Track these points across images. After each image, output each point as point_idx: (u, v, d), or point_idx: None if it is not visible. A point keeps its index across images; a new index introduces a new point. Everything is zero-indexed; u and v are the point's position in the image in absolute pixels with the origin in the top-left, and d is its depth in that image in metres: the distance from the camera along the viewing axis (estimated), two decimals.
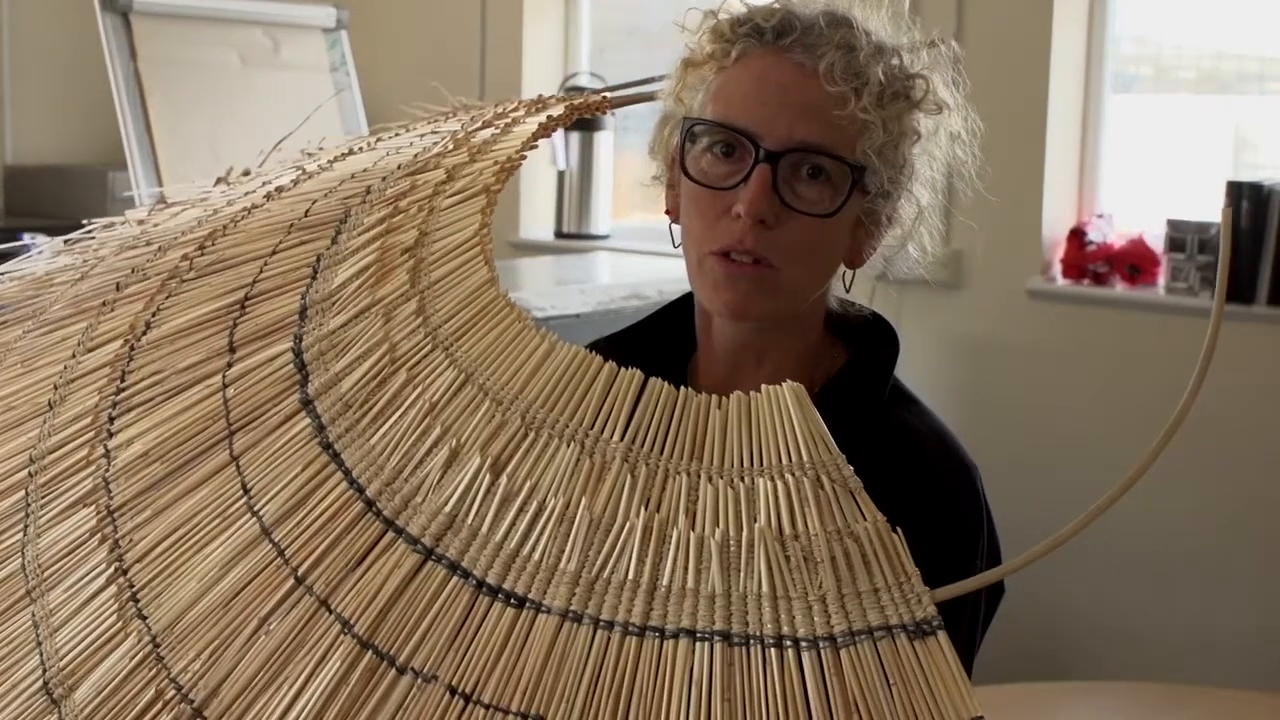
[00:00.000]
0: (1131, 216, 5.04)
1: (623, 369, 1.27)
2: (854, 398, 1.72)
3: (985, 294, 5.03)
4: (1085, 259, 4.88)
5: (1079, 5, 4.95)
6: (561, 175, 6.17)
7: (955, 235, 5.02)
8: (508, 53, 6.30)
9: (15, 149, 6.59)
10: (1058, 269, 4.97)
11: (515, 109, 1.85)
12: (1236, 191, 4.59)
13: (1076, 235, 4.92)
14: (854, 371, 1.76)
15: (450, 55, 6.47)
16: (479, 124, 1.82)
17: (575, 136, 6.03)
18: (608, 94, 1.89)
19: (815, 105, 1.60)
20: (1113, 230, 4.99)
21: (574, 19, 6.40)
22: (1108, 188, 5.11)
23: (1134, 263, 4.83)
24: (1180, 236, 4.73)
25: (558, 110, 1.78)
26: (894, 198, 1.69)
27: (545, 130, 1.74)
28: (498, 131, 1.76)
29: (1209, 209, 4.71)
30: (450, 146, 1.73)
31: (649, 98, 1.82)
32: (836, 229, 1.65)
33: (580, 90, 5.69)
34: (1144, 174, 5.15)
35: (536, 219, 6.35)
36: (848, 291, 1.78)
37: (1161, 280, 4.80)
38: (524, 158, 1.65)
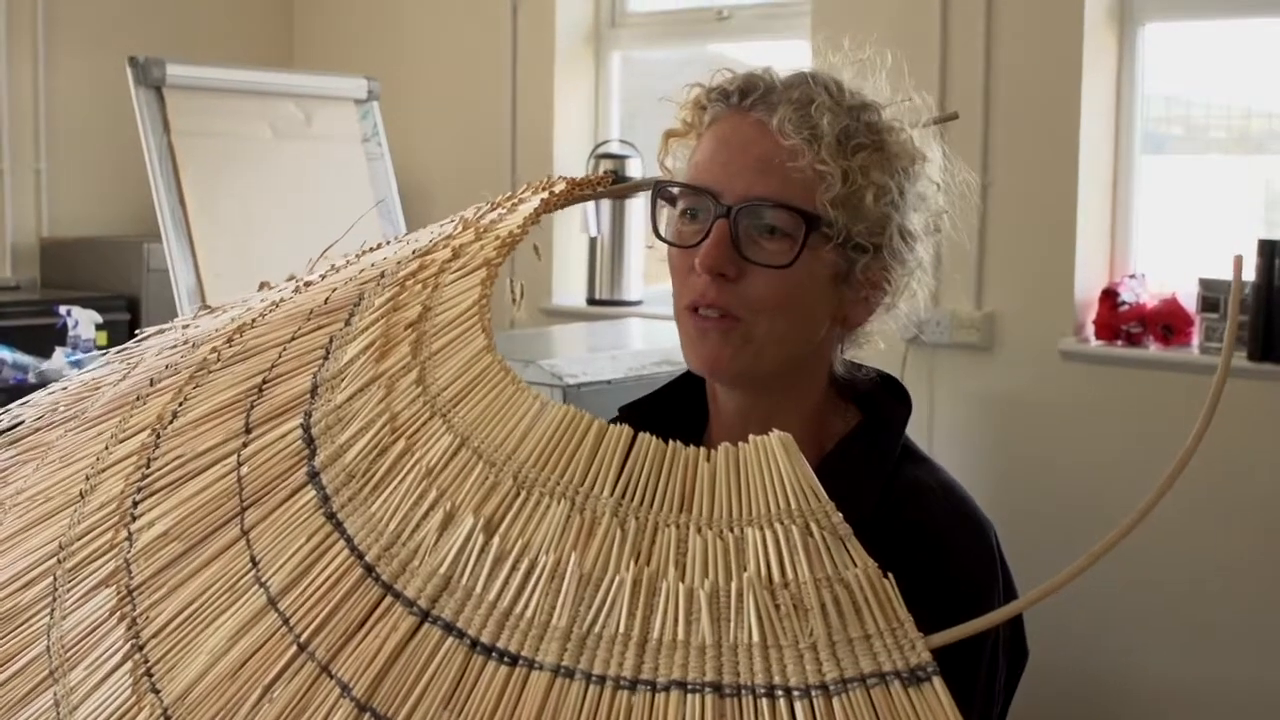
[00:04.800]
0: (1164, 276, 5.00)
1: (611, 425, 1.28)
2: (865, 457, 1.72)
3: (1018, 355, 5.00)
4: (1118, 319, 4.84)
5: (1108, 66, 4.95)
6: (593, 242, 6.20)
7: (988, 297, 5.03)
8: (539, 121, 6.36)
9: (52, 222, 6.69)
10: (1090, 330, 4.94)
11: (523, 191, 1.89)
12: (1269, 249, 4.53)
13: (1109, 296, 4.89)
14: (865, 431, 1.75)
15: (482, 125, 6.54)
16: (489, 206, 1.87)
17: (606, 204, 6.06)
18: (608, 179, 1.94)
19: (770, 159, 1.63)
20: (1145, 290, 4.94)
21: (604, 87, 6.47)
22: (1140, 248, 5.07)
23: (1167, 323, 4.79)
24: (1213, 296, 4.68)
25: (559, 188, 1.82)
26: (873, 254, 1.68)
27: (547, 207, 1.78)
28: (505, 212, 1.81)
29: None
30: (460, 229, 1.77)
31: (647, 186, 1.85)
32: (806, 283, 1.65)
33: (611, 157, 5.79)
34: (1176, 234, 5.11)
35: (569, 286, 6.39)
36: (842, 353, 1.78)
37: (1195, 340, 4.74)
38: (526, 232, 1.69)
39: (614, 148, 6.27)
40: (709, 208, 1.65)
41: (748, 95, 1.68)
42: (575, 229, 6.23)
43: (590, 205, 6.01)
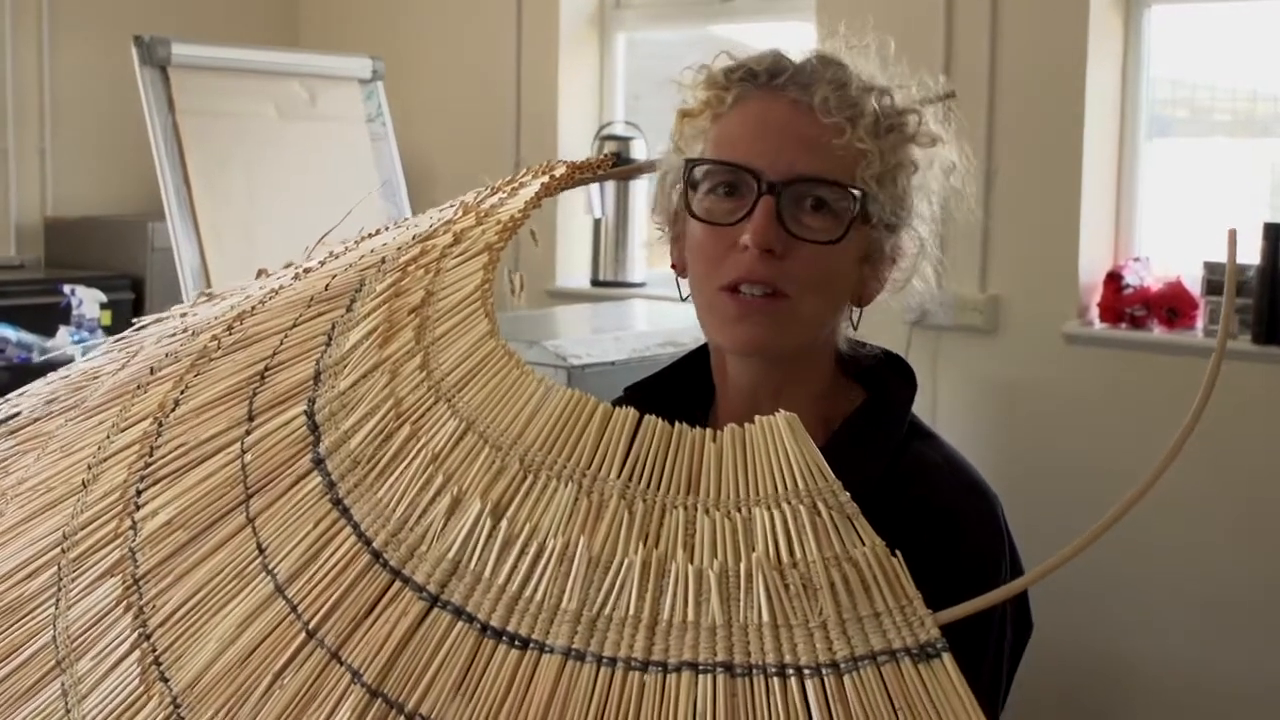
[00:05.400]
0: (1169, 259, 5.00)
1: (616, 408, 1.29)
2: (872, 435, 1.73)
3: (1022, 338, 5.01)
4: (1122, 302, 4.85)
5: (1113, 50, 4.95)
6: (597, 224, 6.20)
7: (992, 280, 5.02)
8: (543, 102, 6.37)
9: (56, 201, 6.69)
10: (1095, 313, 4.94)
11: (523, 175, 1.90)
12: (1274, 232, 4.52)
13: (1113, 279, 4.90)
14: (872, 409, 1.77)
15: (486, 106, 6.54)
16: (489, 191, 1.87)
17: (610, 185, 6.06)
18: (608, 161, 1.93)
19: (813, 138, 1.64)
20: (1150, 273, 4.95)
21: (609, 68, 6.48)
22: (1145, 231, 5.08)
23: (1171, 306, 4.79)
24: (1218, 279, 4.66)
25: (559, 171, 1.83)
26: (896, 232, 1.72)
27: (548, 190, 1.78)
28: (505, 196, 1.81)
29: (1247, 251, 4.66)
30: (460, 214, 1.78)
31: (648, 168, 1.86)
32: (844, 260, 1.68)
33: (615, 139, 5.78)
34: (1181, 217, 5.11)
35: (573, 267, 6.41)
36: (855, 329, 1.79)
37: (1199, 323, 4.74)
38: (527, 216, 1.70)
39: (618, 129, 6.28)
40: (750, 185, 1.65)
41: (778, 75, 1.69)
42: (579, 211, 6.24)
43: (594, 187, 6.01)
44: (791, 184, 1.63)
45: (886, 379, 1.81)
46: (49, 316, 5.41)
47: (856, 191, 1.64)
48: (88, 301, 5.28)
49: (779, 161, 1.64)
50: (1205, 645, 4.67)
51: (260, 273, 1.96)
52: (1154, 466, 1.22)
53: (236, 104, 5.21)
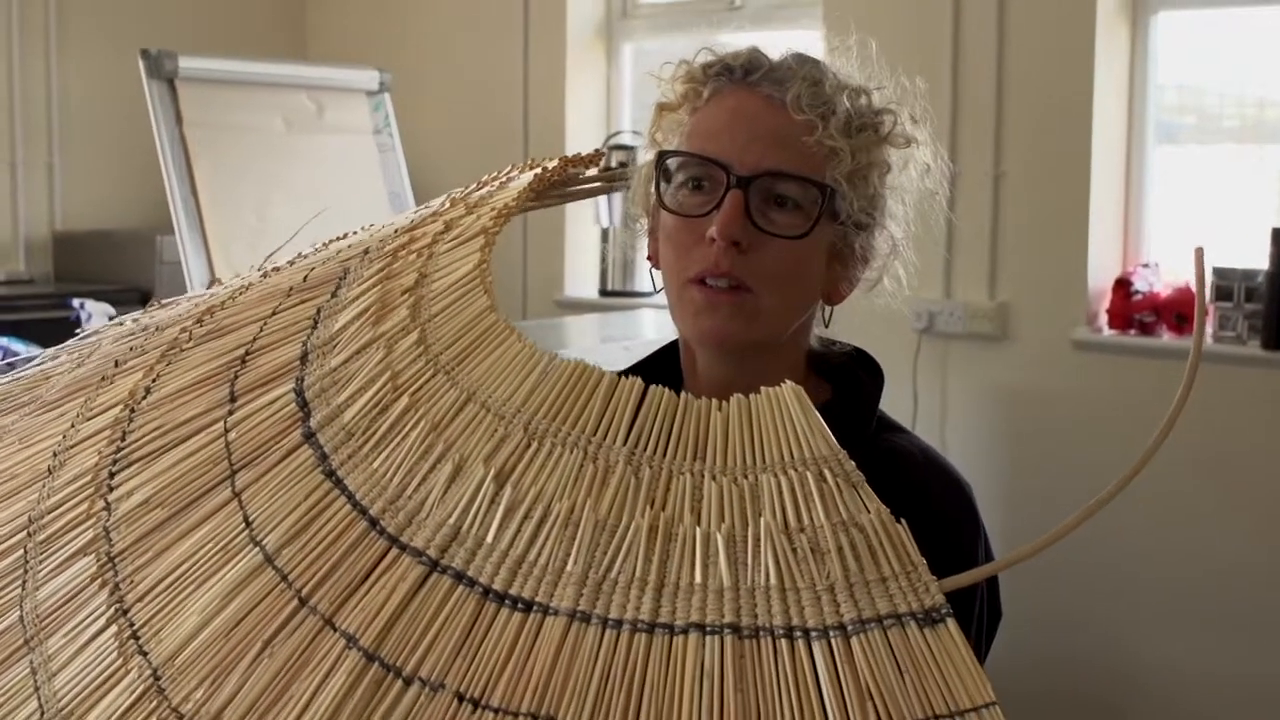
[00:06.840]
0: (1177, 265, 5.05)
1: (622, 377, 1.31)
2: (841, 429, 1.74)
3: (1031, 345, 5.06)
4: (1131, 309, 4.89)
5: (1120, 56, 5.02)
6: (605, 233, 6.21)
7: (1001, 287, 5.03)
8: (551, 113, 6.42)
9: (64, 214, 6.73)
10: (1104, 319, 5.01)
11: (508, 171, 1.93)
12: None
13: (1122, 285, 4.94)
14: (840, 404, 1.80)
15: (494, 116, 6.60)
16: (475, 185, 1.90)
17: (618, 195, 6.04)
18: (597, 156, 1.94)
19: (784, 133, 1.69)
20: (1159, 279, 5.00)
21: (616, 78, 6.54)
22: (1153, 237, 5.15)
23: (1180, 312, 4.83)
24: (1227, 285, 4.73)
25: (551, 164, 1.87)
26: (868, 231, 1.76)
27: (541, 181, 1.81)
28: (493, 190, 1.84)
29: (1255, 257, 4.71)
30: (447, 205, 1.80)
31: (632, 175, 1.87)
32: (811, 257, 1.72)
33: (623, 148, 5.78)
34: (1190, 223, 5.16)
35: (581, 277, 6.47)
36: (826, 327, 1.84)
37: (1209, 329, 4.76)
38: (521, 206, 1.72)
39: (626, 138, 6.29)
40: (720, 179, 1.69)
41: (753, 71, 1.74)
42: (587, 220, 6.28)
43: (601, 196, 6.01)
44: (759, 178, 1.68)
45: (854, 375, 1.85)
46: (58, 330, 5.38)
47: (823, 187, 1.68)
48: (97, 315, 5.28)
49: (748, 155, 1.68)
50: (1213, 651, 4.71)
51: (214, 281, 1.96)
52: (1132, 463, 1.24)
53: (244, 116, 5.25)
